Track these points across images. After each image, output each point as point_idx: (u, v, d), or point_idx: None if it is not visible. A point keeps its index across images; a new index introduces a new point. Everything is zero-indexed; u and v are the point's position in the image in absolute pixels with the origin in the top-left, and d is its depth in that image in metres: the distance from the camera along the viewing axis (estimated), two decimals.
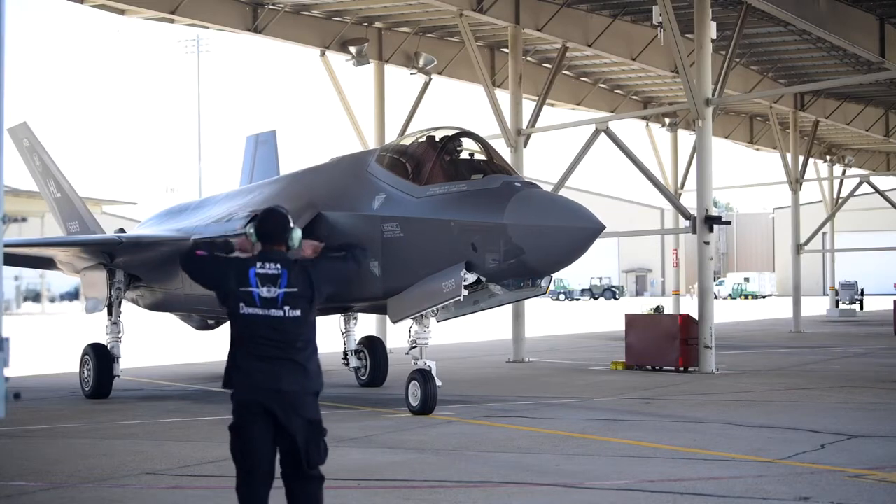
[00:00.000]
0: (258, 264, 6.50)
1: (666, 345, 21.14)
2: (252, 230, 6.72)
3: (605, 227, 13.24)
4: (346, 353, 18.95)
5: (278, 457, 6.47)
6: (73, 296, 74.14)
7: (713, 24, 22.70)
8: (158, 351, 28.57)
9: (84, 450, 11.65)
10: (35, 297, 74.55)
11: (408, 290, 14.14)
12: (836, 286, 52.84)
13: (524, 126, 25.53)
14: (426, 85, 28.74)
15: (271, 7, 25.96)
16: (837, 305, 51.49)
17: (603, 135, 23.60)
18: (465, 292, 13.46)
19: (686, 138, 41.52)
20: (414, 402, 14.09)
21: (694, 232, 21.24)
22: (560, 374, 21.26)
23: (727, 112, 43.64)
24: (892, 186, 67.52)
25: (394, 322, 14.89)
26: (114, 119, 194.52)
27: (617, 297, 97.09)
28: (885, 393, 16.68)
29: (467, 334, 34.08)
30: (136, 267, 18.68)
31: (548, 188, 17.11)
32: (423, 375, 14.02)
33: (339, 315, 18.59)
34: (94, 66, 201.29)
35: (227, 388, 6.53)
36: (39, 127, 23.31)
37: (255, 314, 6.43)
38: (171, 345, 31.21)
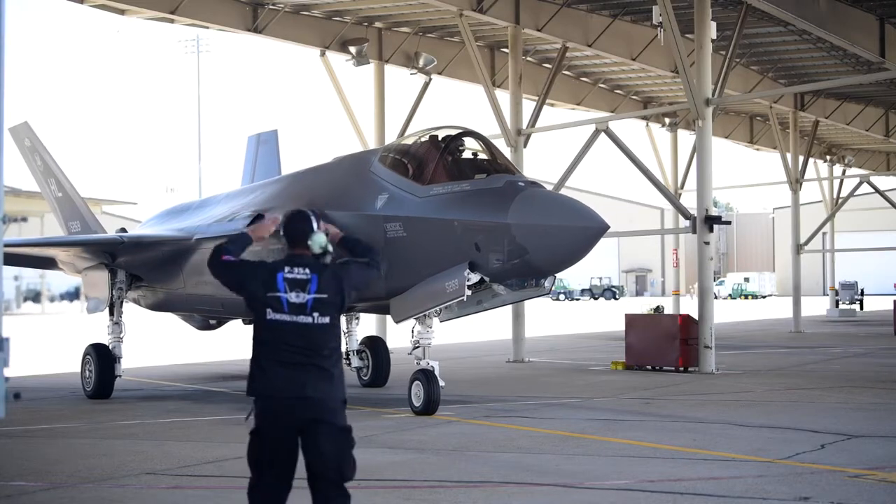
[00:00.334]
0: (286, 268, 6.30)
1: (666, 345, 21.14)
2: (280, 232, 6.56)
3: (609, 227, 13.19)
4: (347, 354, 18.93)
5: (301, 465, 6.24)
6: (73, 296, 74.20)
7: (713, 24, 22.70)
8: (159, 351, 28.56)
9: (84, 450, 11.65)
10: (35, 297, 74.58)
11: (411, 289, 14.06)
12: (836, 286, 52.82)
13: (524, 126, 25.53)
14: (426, 85, 28.74)
15: (271, 7, 25.96)
16: (837, 305, 51.48)
17: (603, 135, 23.60)
18: (468, 292, 13.41)
19: (686, 138, 41.54)
20: (417, 403, 14.05)
21: (694, 232, 21.24)
22: (560, 374, 21.26)
23: (727, 112, 43.64)
24: (892, 186, 67.51)
25: (396, 322, 14.80)
26: (114, 119, 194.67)
27: (617, 297, 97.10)
28: (885, 393, 16.68)
29: (467, 334, 34.08)
30: (138, 267, 18.67)
31: (547, 188, 17.09)
32: (427, 376, 13.99)
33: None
34: (94, 66, 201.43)
35: (252, 395, 6.36)
36: (39, 127, 23.33)
37: (283, 320, 6.24)
38: (172, 345, 31.21)
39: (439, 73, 29.69)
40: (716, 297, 40.13)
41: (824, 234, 53.89)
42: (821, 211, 49.48)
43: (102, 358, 17.59)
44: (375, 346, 19.08)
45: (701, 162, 21.68)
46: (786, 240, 59.14)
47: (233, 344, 30.16)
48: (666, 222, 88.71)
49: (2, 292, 5.83)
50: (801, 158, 40.50)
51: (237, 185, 21.94)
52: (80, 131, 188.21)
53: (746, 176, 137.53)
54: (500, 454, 11.04)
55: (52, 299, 76.28)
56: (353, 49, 27.37)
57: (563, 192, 19.37)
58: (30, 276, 71.03)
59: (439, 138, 14.54)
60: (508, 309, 22.59)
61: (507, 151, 24.58)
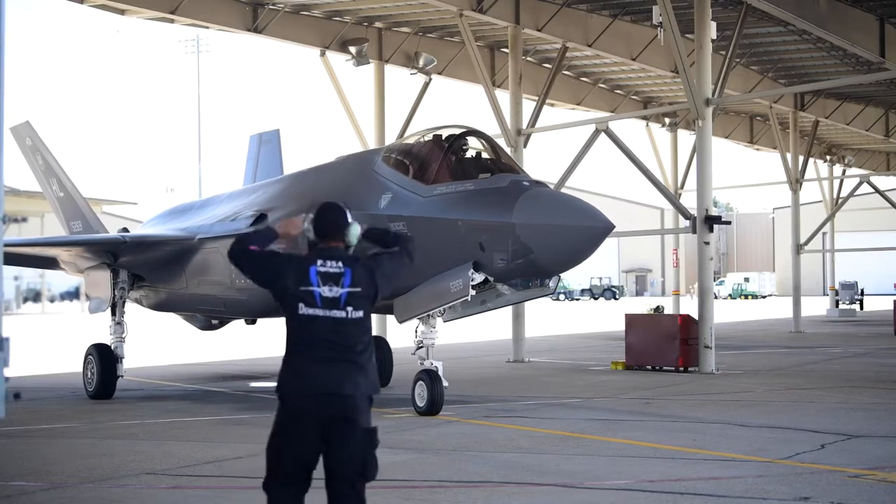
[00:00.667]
0: (319, 262, 6.06)
1: (666, 345, 21.15)
2: (309, 225, 6.27)
3: (614, 227, 13.14)
4: None
5: (320, 465, 6.07)
6: (73, 295, 74.23)
7: (713, 24, 22.71)
8: (159, 351, 28.56)
9: (84, 450, 11.65)
10: (35, 296, 74.59)
11: (414, 289, 13.95)
12: (836, 286, 52.83)
13: (524, 126, 25.54)
14: (426, 85, 28.75)
15: (271, 7, 25.96)
16: (837, 305, 51.48)
17: (603, 135, 23.60)
18: (472, 292, 13.39)
19: (686, 138, 41.54)
20: (420, 403, 14.01)
21: (694, 232, 21.25)
22: (560, 374, 21.26)
23: (727, 112, 43.64)
24: (892, 186, 67.50)
25: (400, 322, 14.69)
26: (114, 119, 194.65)
27: (617, 297, 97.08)
28: (885, 393, 16.68)
29: (467, 334, 34.07)
30: (140, 267, 18.64)
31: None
32: (430, 376, 13.95)
33: None
34: (94, 66, 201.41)
35: (282, 391, 6.06)
36: (39, 127, 23.30)
37: (316, 315, 5.99)
38: (173, 345, 31.20)
39: (439, 73, 29.69)
40: (716, 297, 40.13)
41: (824, 234, 53.90)
42: (821, 211, 49.48)
43: (104, 358, 17.55)
44: (378, 346, 19.04)
45: (701, 162, 21.69)
46: (786, 240, 59.15)
47: (233, 344, 30.17)
48: (666, 222, 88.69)
49: (2, 292, 5.83)
50: (801, 158, 40.51)
51: (237, 185, 21.91)
52: (79, 131, 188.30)
53: (746, 176, 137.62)
54: (500, 454, 11.04)
55: (52, 299, 76.30)
56: (353, 49, 27.37)
57: (564, 191, 19.37)
58: (30, 276, 71.04)
59: (443, 138, 14.48)
60: (508, 309, 22.57)
61: (507, 151, 24.56)
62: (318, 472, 6.04)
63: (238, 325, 21.40)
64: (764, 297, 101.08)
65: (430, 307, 13.91)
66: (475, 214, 13.34)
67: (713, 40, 22.78)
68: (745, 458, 10.44)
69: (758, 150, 48.19)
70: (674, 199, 28.09)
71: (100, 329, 19.33)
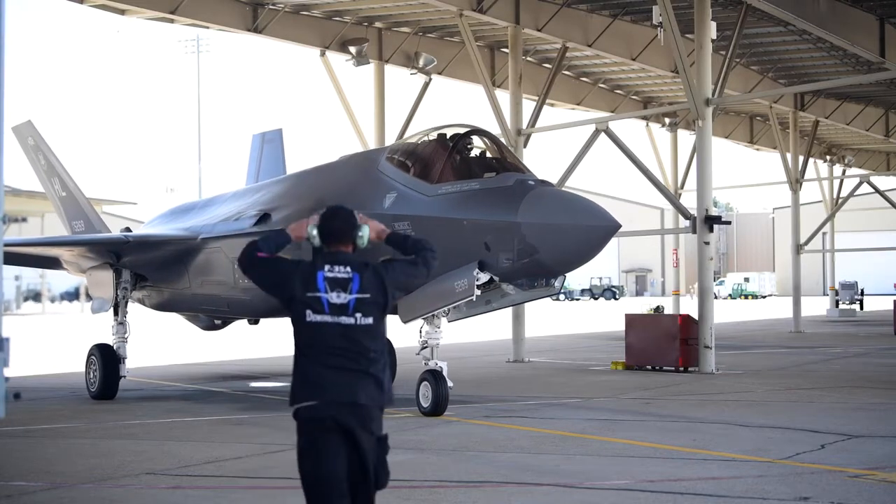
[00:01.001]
0: (326, 267, 5.85)
1: (666, 345, 21.14)
2: (314, 231, 6.06)
3: (620, 226, 13.08)
4: None
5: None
6: (74, 295, 74.31)
7: (713, 24, 22.70)
8: (160, 351, 28.55)
9: (84, 450, 11.66)
10: (35, 296, 74.63)
11: (419, 289, 13.94)
12: (836, 286, 52.82)
13: (524, 126, 25.53)
14: (426, 85, 28.76)
15: (271, 7, 25.96)
16: (837, 305, 51.47)
17: (603, 135, 23.59)
18: (477, 292, 13.34)
19: (686, 138, 41.54)
20: (425, 403, 13.97)
21: (694, 232, 21.25)
22: (560, 374, 21.26)
23: (727, 112, 43.65)
24: (892, 186, 67.50)
25: (404, 322, 14.55)
26: (114, 119, 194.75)
27: (617, 297, 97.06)
28: (885, 393, 16.68)
29: (467, 334, 34.06)
30: (143, 266, 18.60)
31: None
32: (435, 376, 13.92)
33: None
34: (94, 66, 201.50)
35: (296, 404, 5.79)
36: (39, 127, 23.29)
37: (324, 322, 5.76)
38: (173, 345, 31.20)
39: (439, 73, 29.70)
40: (716, 297, 40.13)
41: (824, 234, 53.88)
42: (821, 211, 49.47)
43: (107, 358, 17.49)
44: None
45: (701, 162, 21.69)
46: (786, 240, 59.17)
47: (234, 344, 30.18)
48: (666, 222, 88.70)
49: (2, 292, 5.83)
50: (801, 158, 40.50)
51: (237, 185, 21.90)
52: (79, 131, 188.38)
53: (746, 176, 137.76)
54: (500, 454, 11.04)
55: (52, 299, 76.36)
56: (353, 49, 27.37)
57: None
58: (30, 276, 71.08)
59: (447, 137, 14.43)
60: (509, 309, 22.58)
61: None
62: None
63: (239, 325, 21.40)
64: (764, 297, 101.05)
65: (434, 307, 13.84)
66: (480, 214, 13.28)
67: (713, 40, 22.78)
68: (745, 458, 10.44)
69: (758, 150, 48.19)
70: (674, 199, 28.08)
71: (100, 329, 19.33)
